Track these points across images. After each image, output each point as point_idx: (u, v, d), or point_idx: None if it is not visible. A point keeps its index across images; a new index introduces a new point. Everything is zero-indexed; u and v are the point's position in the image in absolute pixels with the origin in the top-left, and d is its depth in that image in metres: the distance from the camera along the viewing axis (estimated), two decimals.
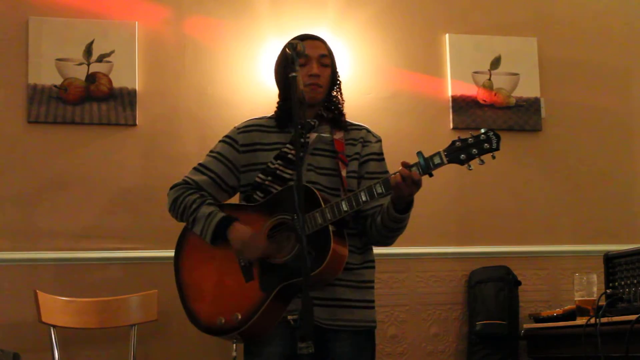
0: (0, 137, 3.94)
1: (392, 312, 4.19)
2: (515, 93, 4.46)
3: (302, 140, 2.92)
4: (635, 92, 4.66)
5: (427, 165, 2.75)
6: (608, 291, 3.42)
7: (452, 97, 4.38)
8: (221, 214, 2.95)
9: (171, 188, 3.10)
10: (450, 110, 4.37)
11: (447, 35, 4.43)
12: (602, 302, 3.39)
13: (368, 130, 3.13)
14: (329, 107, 3.07)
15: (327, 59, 3.07)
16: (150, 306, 3.70)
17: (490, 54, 4.46)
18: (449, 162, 2.75)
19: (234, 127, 3.14)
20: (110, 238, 3.94)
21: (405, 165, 2.75)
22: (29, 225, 3.90)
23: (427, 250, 4.25)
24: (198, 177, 3.06)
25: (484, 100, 4.42)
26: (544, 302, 4.32)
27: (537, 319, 4.07)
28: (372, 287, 3.03)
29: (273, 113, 3.11)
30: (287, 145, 2.98)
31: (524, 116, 4.45)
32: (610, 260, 3.50)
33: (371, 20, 4.36)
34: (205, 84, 4.14)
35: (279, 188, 2.93)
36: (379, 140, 3.13)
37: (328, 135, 3.02)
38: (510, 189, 4.41)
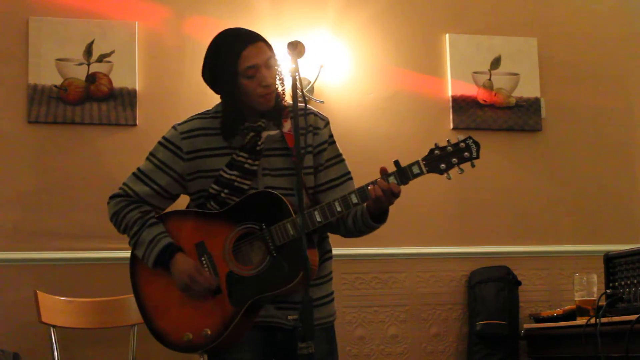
0: (0, 137, 3.94)
1: (392, 312, 4.19)
2: (515, 93, 4.46)
3: (256, 147, 2.72)
4: (635, 92, 4.66)
5: (406, 175, 2.62)
6: (608, 291, 3.42)
7: (452, 97, 4.38)
8: (164, 241, 2.74)
9: (111, 197, 2.87)
10: (450, 110, 4.37)
11: (447, 35, 4.43)
12: (602, 302, 3.38)
13: (315, 114, 2.85)
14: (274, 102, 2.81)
15: (272, 59, 2.76)
16: None
17: (490, 54, 4.46)
18: (428, 171, 2.64)
19: (175, 129, 2.84)
20: (110, 238, 3.93)
21: (383, 173, 2.63)
22: (29, 225, 3.90)
23: (427, 250, 4.25)
24: (139, 188, 2.82)
25: (484, 100, 4.42)
26: (544, 302, 4.32)
27: (537, 319, 4.07)
28: (331, 279, 2.87)
29: (214, 110, 2.85)
30: (241, 154, 2.74)
31: (524, 116, 4.45)
32: (610, 260, 3.50)
33: (371, 20, 4.36)
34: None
35: (236, 199, 2.73)
36: (328, 123, 2.87)
37: (277, 131, 2.78)
38: (510, 189, 4.41)
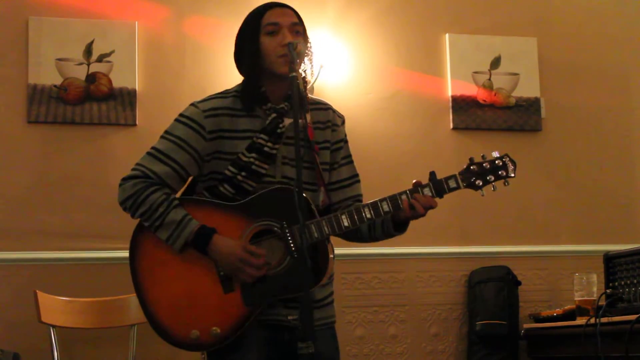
0: (0, 137, 3.94)
1: (392, 312, 4.19)
2: (515, 93, 4.46)
3: (277, 130, 2.60)
4: (635, 91, 4.66)
5: (441, 189, 2.60)
6: (608, 291, 3.43)
7: (452, 97, 4.38)
8: (194, 224, 2.58)
9: (125, 179, 2.67)
10: (450, 110, 4.37)
11: (447, 35, 4.43)
12: (602, 302, 3.39)
13: (333, 110, 2.78)
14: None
15: (299, 27, 2.71)
16: None
17: (490, 54, 4.46)
18: (465, 187, 2.61)
19: (195, 107, 2.68)
20: (110, 238, 3.94)
21: (416, 186, 2.59)
22: (29, 225, 3.90)
23: (427, 250, 4.25)
24: (159, 168, 2.64)
25: (484, 100, 4.42)
26: (544, 302, 4.32)
27: (537, 319, 4.07)
28: (332, 280, 2.77)
29: (234, 90, 2.72)
30: (261, 136, 2.62)
31: (524, 116, 4.45)
32: (610, 260, 3.50)
33: (371, 20, 4.36)
34: (205, 84, 4.13)
35: (253, 184, 2.61)
36: (344, 121, 2.81)
37: (301, 120, 2.63)
38: (510, 189, 4.38)
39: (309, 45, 2.73)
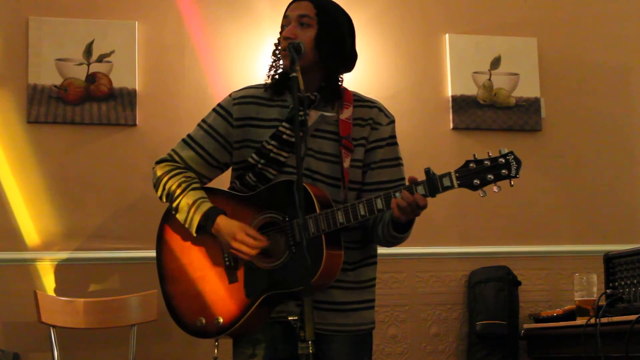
0: (0, 137, 3.94)
1: (392, 312, 4.19)
2: (515, 93, 4.46)
3: (300, 117, 2.46)
4: (635, 92, 4.66)
5: (434, 187, 2.41)
6: (608, 291, 3.42)
7: (452, 97, 4.38)
8: (206, 205, 2.61)
9: (157, 162, 2.77)
10: (450, 110, 4.37)
11: (447, 35, 4.43)
12: (602, 302, 3.39)
13: (380, 109, 2.75)
14: (328, 78, 2.67)
15: (307, 19, 2.63)
16: (150, 306, 3.70)
17: (490, 54, 4.46)
18: (460, 186, 2.40)
19: (229, 96, 2.76)
20: (110, 238, 3.94)
21: (412, 182, 2.44)
22: (28, 225, 3.90)
23: (427, 250, 4.25)
24: (185, 153, 2.72)
25: (484, 100, 4.42)
26: (544, 302, 4.32)
27: (537, 319, 4.07)
28: (373, 286, 2.73)
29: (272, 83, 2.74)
30: (283, 124, 2.62)
31: (524, 116, 4.45)
32: (610, 260, 3.50)
33: (371, 21, 4.36)
34: (205, 84, 4.14)
35: (273, 172, 2.62)
36: (392, 122, 2.76)
37: (332, 114, 2.64)
38: (510, 189, 4.39)
39: (332, 38, 2.65)
